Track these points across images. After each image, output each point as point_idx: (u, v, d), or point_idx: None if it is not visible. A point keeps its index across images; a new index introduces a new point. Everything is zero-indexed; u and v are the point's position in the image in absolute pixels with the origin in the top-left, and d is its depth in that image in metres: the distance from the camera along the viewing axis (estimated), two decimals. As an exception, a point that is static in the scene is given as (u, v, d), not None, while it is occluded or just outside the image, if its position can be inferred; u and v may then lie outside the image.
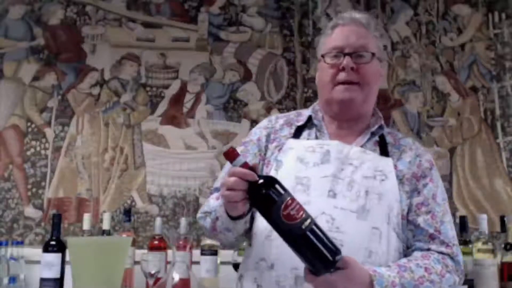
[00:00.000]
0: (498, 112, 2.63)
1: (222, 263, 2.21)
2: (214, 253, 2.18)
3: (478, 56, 2.69)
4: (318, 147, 1.30)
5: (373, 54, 1.32)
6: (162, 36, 2.66)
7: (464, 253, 1.97)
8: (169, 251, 2.18)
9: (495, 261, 2.02)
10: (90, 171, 2.49)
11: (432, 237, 1.25)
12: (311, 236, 1.01)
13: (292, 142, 1.35)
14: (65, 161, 2.50)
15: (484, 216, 2.10)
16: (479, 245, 2.03)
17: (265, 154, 1.37)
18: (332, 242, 1.03)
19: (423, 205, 1.28)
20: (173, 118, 2.58)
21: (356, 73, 1.30)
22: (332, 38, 1.35)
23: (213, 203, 1.31)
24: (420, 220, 1.26)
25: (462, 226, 2.11)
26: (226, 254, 2.19)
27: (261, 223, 1.26)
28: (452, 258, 1.25)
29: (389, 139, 1.37)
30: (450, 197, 2.52)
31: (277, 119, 1.44)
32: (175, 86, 2.61)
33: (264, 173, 1.30)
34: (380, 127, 1.36)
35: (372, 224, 1.20)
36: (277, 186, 1.05)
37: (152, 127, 2.56)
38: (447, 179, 2.54)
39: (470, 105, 2.64)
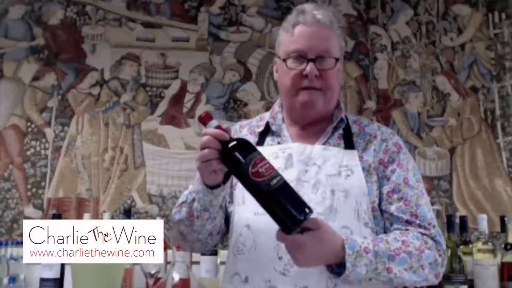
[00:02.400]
0: (498, 112, 2.63)
1: (222, 263, 2.21)
2: (214, 253, 2.17)
3: (478, 56, 2.69)
4: (280, 152, 1.27)
5: (336, 60, 1.28)
6: (162, 36, 2.66)
7: (464, 253, 1.99)
8: (169, 251, 2.18)
9: (495, 261, 2.01)
10: (90, 171, 2.49)
11: (408, 222, 1.22)
12: (280, 194, 1.02)
13: None
14: (65, 161, 2.50)
15: (484, 216, 2.09)
16: (479, 245, 2.03)
17: None
18: (303, 202, 1.02)
19: (394, 192, 1.24)
20: (173, 118, 2.58)
21: (319, 78, 1.26)
22: (294, 39, 1.28)
23: (187, 191, 1.29)
24: (393, 208, 1.23)
25: (462, 226, 2.10)
26: (226, 254, 2.18)
27: (233, 237, 1.27)
28: (432, 238, 1.21)
29: (354, 128, 1.33)
30: (450, 197, 2.53)
31: (241, 128, 1.41)
32: (175, 86, 2.61)
33: (232, 187, 1.29)
34: (342, 120, 1.32)
35: (342, 224, 1.17)
36: (247, 145, 1.07)
37: (152, 127, 2.56)
38: (447, 179, 2.55)
39: (470, 105, 2.64)
